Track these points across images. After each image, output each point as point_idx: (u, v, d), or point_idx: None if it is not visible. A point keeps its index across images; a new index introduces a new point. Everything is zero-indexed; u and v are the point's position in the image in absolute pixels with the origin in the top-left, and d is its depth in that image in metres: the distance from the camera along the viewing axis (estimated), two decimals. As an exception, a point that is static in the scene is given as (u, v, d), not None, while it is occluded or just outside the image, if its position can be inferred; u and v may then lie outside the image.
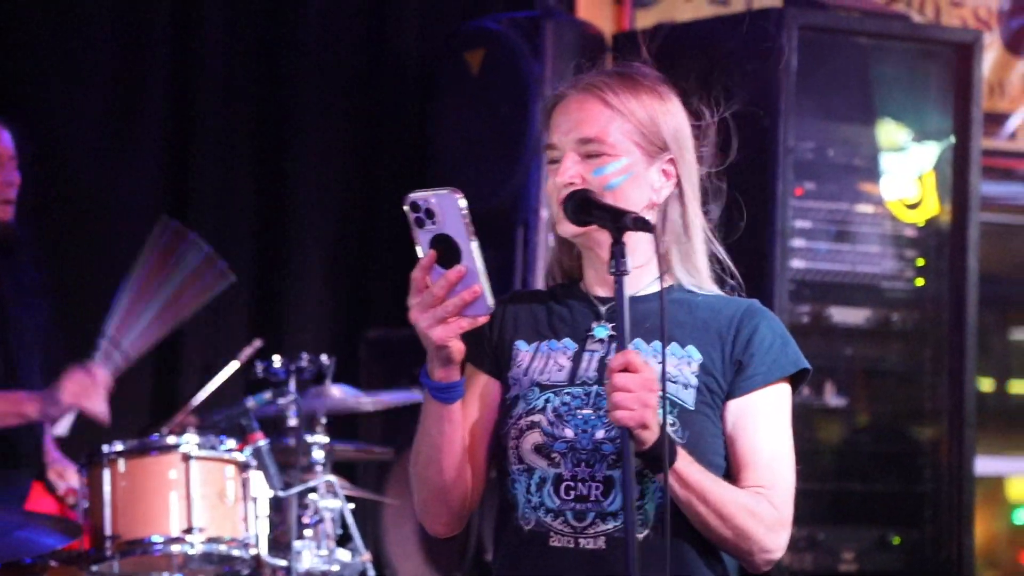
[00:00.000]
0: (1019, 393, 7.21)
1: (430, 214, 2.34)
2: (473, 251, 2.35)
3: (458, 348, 2.40)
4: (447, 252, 2.35)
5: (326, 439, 4.48)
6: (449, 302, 2.36)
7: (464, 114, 5.41)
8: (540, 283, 5.00)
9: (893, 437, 5.24)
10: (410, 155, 5.69)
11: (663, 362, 2.47)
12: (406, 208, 2.35)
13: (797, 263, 5.08)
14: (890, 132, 5.23)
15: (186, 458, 3.90)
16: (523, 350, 2.62)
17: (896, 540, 5.17)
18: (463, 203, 2.33)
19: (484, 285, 2.36)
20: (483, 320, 2.38)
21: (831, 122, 5.15)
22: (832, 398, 5.14)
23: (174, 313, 4.32)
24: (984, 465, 5.88)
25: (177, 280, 4.34)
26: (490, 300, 2.36)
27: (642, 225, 2.47)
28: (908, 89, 5.25)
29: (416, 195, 2.35)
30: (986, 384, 6.91)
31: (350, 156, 5.68)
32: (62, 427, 4.22)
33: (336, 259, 5.60)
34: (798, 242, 5.08)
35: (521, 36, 5.25)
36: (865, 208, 5.21)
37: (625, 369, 2.38)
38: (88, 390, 4.11)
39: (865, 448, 5.21)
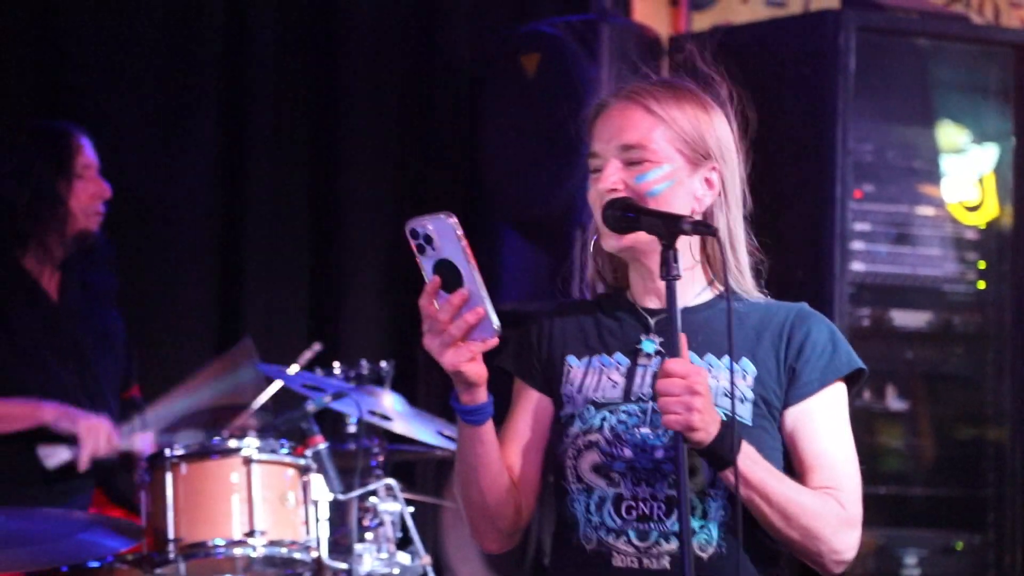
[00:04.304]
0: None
1: (429, 240, 2.35)
2: (474, 274, 2.35)
3: (476, 372, 2.41)
4: (452, 277, 2.36)
5: (385, 443, 4.49)
6: (454, 326, 2.36)
7: (518, 118, 5.40)
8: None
9: (955, 441, 5.20)
10: (463, 159, 5.70)
11: (731, 369, 2.47)
12: (407, 235, 2.36)
13: (857, 266, 5.05)
14: (949, 134, 5.19)
15: (247, 461, 3.90)
16: (575, 365, 2.61)
17: (959, 545, 5.14)
18: (458, 227, 2.33)
19: (488, 308, 2.36)
20: (492, 343, 2.39)
21: (890, 124, 5.12)
22: (893, 402, 5.11)
23: (201, 406, 4.46)
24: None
25: (221, 389, 4.48)
26: (496, 323, 2.37)
27: (703, 228, 2.48)
28: (967, 91, 5.21)
29: (414, 222, 2.35)
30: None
31: (403, 159, 5.69)
32: (54, 459, 4.23)
33: (392, 264, 5.61)
34: (858, 245, 5.06)
35: (577, 39, 5.25)
36: (925, 210, 5.17)
37: (669, 374, 2.37)
38: (99, 439, 4.20)
39: (927, 452, 5.17)
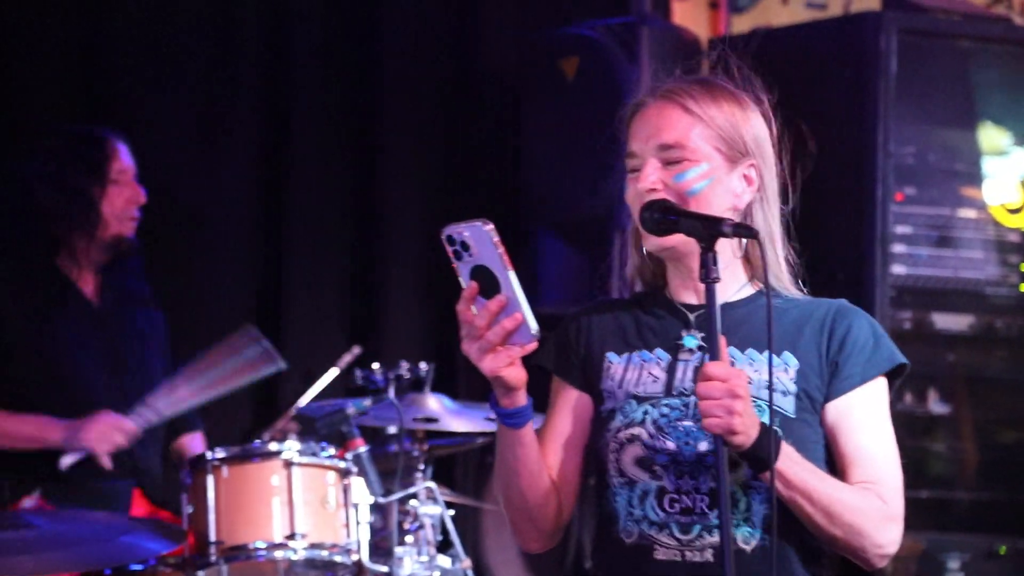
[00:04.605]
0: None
1: (465, 246, 2.36)
2: (511, 280, 2.35)
3: (515, 376, 2.42)
4: (489, 282, 2.36)
5: (425, 446, 4.50)
6: (491, 332, 2.37)
7: (558, 120, 5.40)
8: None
9: (998, 445, 5.17)
10: (502, 162, 5.70)
11: (770, 369, 2.47)
12: (443, 241, 2.37)
13: (898, 269, 5.03)
14: (991, 136, 5.16)
15: (288, 464, 3.91)
16: (615, 362, 2.62)
17: (1002, 549, 5.10)
18: (494, 234, 2.34)
19: (526, 313, 2.36)
20: (531, 347, 2.40)
21: (931, 126, 5.10)
22: (935, 405, 5.09)
23: (214, 388, 4.40)
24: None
25: (230, 367, 4.43)
26: (533, 328, 2.37)
27: (744, 231, 2.48)
28: (1009, 92, 5.19)
29: (451, 228, 2.36)
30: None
31: (443, 162, 5.70)
32: (67, 460, 4.24)
33: (431, 267, 5.62)
34: (899, 248, 5.04)
35: (616, 42, 5.24)
36: (967, 213, 5.15)
37: (709, 377, 2.38)
38: (109, 437, 4.22)
39: (969, 456, 5.15)
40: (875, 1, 5.51)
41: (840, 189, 4.95)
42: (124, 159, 4.44)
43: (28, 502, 4.02)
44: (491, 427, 4.42)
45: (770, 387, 2.47)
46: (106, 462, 4.22)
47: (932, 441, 5.11)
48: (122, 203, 4.42)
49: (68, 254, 4.39)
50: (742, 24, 5.90)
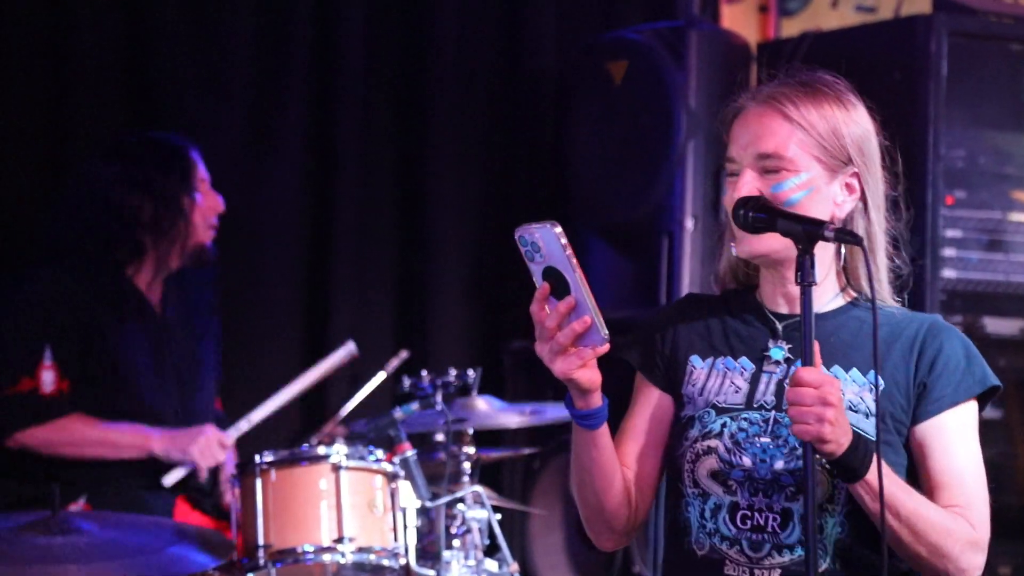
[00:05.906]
0: None
1: (536, 247, 2.34)
2: (579, 282, 2.33)
3: (588, 378, 2.38)
4: (559, 284, 2.35)
5: (472, 450, 4.50)
6: (561, 334, 2.34)
7: (604, 124, 5.40)
8: (684, 295, 5.01)
9: (1050, 450, 5.15)
10: (548, 165, 5.70)
11: (876, 384, 2.43)
12: (516, 241, 2.35)
13: (948, 273, 5.01)
14: (1043, 139, 5.14)
15: (336, 468, 3.93)
16: (698, 367, 2.59)
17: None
18: (562, 236, 2.32)
19: (595, 315, 2.34)
20: (602, 350, 2.36)
21: (982, 129, 5.07)
22: (986, 410, 5.04)
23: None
24: None
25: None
26: (603, 330, 2.34)
27: (848, 237, 2.42)
28: (1061, 95, 5.15)
29: (522, 229, 2.35)
30: None
31: (489, 167, 5.70)
32: (171, 478, 4.27)
33: (478, 270, 5.62)
34: (949, 252, 5.01)
35: (664, 46, 5.23)
36: (1018, 217, 5.11)
37: (801, 383, 2.34)
38: (213, 454, 4.26)
39: (1020, 461, 5.11)
40: (925, 4, 5.48)
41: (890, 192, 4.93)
42: (202, 167, 4.47)
43: (74, 508, 4.03)
44: (536, 421, 4.44)
45: (876, 397, 2.44)
46: (205, 474, 4.27)
47: (983, 446, 5.07)
48: (207, 211, 4.44)
49: (151, 264, 4.36)
50: (792, 28, 5.88)
